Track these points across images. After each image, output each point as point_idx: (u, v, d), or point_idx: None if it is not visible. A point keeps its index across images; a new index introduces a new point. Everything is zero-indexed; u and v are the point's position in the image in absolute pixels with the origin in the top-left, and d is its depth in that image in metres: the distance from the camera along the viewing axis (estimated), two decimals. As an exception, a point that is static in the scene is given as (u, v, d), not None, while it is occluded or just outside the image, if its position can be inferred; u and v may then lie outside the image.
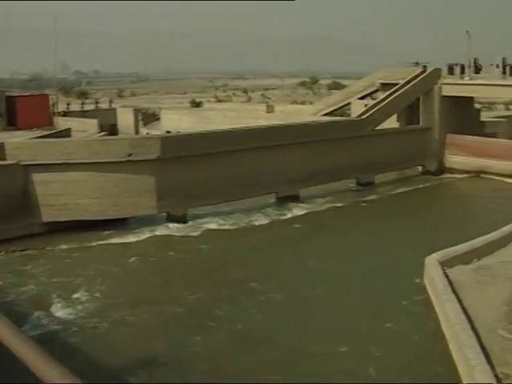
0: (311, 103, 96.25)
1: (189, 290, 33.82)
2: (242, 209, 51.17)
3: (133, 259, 39.57)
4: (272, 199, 54.43)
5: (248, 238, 44.76)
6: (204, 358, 25.96)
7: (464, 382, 21.70)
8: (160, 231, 45.90)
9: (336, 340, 27.22)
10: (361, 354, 25.76)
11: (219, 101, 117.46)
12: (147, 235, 44.88)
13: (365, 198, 57.42)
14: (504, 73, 69.23)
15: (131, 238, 44.08)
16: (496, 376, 20.71)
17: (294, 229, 47.31)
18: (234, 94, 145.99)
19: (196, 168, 48.80)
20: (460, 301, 27.68)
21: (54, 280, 35.61)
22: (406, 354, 25.73)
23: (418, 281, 32.93)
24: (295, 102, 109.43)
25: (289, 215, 50.79)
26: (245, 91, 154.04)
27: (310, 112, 79.22)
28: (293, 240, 44.66)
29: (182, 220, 47.99)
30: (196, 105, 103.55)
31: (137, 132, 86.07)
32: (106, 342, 27.69)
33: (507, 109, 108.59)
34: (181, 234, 45.52)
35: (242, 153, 51.33)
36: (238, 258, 40.28)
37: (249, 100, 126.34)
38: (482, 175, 68.18)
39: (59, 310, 31.03)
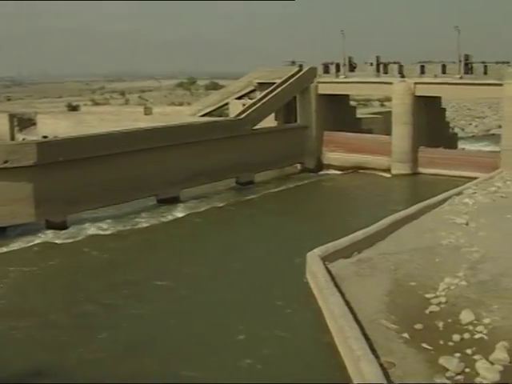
0: (189, 104, 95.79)
1: (71, 298, 32.99)
2: (124, 213, 50.36)
3: (11, 270, 38.19)
4: (153, 202, 53.84)
5: (129, 242, 44.05)
6: (90, 365, 25.35)
7: (350, 373, 22.03)
8: (39, 239, 44.52)
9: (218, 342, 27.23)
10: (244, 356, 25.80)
11: (96, 104, 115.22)
12: (26, 244, 43.42)
13: (245, 198, 57.64)
14: (378, 71, 71.03)
15: (9, 248, 42.66)
16: (381, 365, 21.12)
17: (176, 230, 46.90)
18: (111, 97, 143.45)
19: (75, 173, 47.62)
20: (342, 294, 28.10)
21: None
22: (293, 350, 25.82)
23: (300, 276, 33.21)
24: (173, 104, 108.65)
25: (170, 217, 50.35)
26: (122, 94, 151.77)
27: (189, 113, 78.97)
28: (174, 242, 44.24)
29: (62, 227, 46.75)
30: (73, 108, 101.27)
31: (12, 138, 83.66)
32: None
33: (382, 105, 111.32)
34: (61, 241, 44.36)
35: (122, 156, 50.50)
36: (119, 262, 39.49)
37: (126, 102, 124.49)
38: (360, 170, 69.85)
39: None
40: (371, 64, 71.62)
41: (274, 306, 30.56)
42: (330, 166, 71.90)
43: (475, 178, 56.16)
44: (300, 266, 33.58)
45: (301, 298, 31.05)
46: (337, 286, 29.16)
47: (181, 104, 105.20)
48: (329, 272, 31.08)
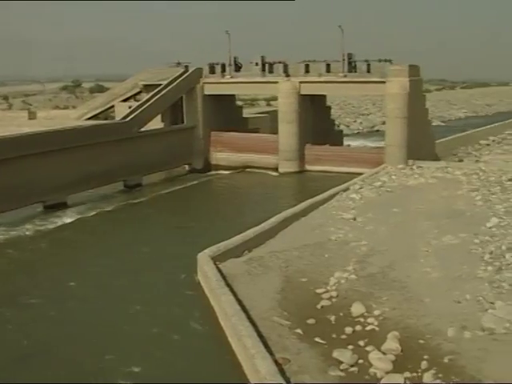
0: (74, 107, 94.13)
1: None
2: (7, 222, 48.59)
3: None
4: (40, 208, 52.40)
5: (12, 251, 42.39)
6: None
7: (246, 371, 21.97)
8: None
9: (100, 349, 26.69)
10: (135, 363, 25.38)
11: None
12: None
13: (134, 201, 56.85)
14: (263, 70, 71.50)
15: None
16: (276, 361, 21.15)
17: (64, 237, 45.68)
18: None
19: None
20: (234, 293, 28.05)
21: None
22: (186, 352, 25.52)
23: (192, 277, 33.05)
24: (58, 107, 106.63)
25: (58, 223, 48.89)
26: (5, 98, 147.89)
27: (74, 116, 77.34)
28: (62, 248, 43.18)
29: None
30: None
31: None
32: None
33: (268, 105, 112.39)
34: None
35: (5, 162, 48.63)
36: (3, 273, 38.20)
37: (10, 107, 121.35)
38: (248, 170, 70.32)
39: None
40: (256, 64, 72.06)
41: (165, 308, 30.17)
42: (218, 166, 72.12)
43: (361, 174, 57.43)
44: (191, 267, 33.35)
45: (193, 299, 30.84)
46: (228, 285, 29.08)
47: (66, 107, 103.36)
48: (220, 272, 30.99)
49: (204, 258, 32.52)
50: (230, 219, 49.42)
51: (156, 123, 68.91)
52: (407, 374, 20.46)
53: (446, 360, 21.23)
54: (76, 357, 25.60)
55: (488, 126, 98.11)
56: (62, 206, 53.04)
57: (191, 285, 32.38)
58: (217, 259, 32.66)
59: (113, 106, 77.61)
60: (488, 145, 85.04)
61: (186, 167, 71.88)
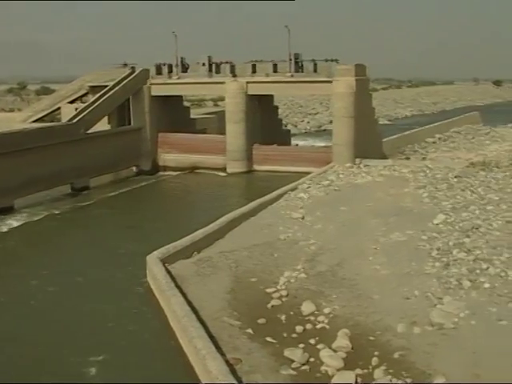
0: (20, 110, 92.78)
1: None
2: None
3: None
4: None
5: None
6: None
7: (197, 372, 21.83)
8: None
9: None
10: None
11: None
12: None
13: (81, 204, 56.11)
14: (210, 71, 71.39)
15: None
16: (227, 362, 21.07)
17: (11, 242, 44.97)
18: None
19: None
20: (184, 294, 27.89)
21: None
22: (139, 354, 25.34)
23: (141, 279, 32.76)
24: (3, 110, 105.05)
25: (4, 228, 48.15)
26: None
27: (20, 119, 76.28)
28: (10, 253, 42.50)
29: None
30: None
31: None
32: None
33: (216, 105, 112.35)
34: None
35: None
36: None
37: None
38: (196, 170, 70.13)
39: None
40: (203, 64, 71.89)
41: (114, 312, 29.83)
42: (166, 168, 71.81)
43: (309, 173, 57.62)
44: (141, 269, 33.06)
45: (142, 302, 30.55)
46: (178, 286, 28.89)
47: (11, 110, 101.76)
48: (169, 273, 30.80)
49: (153, 259, 32.27)
50: (179, 220, 49.30)
51: (103, 125, 68.34)
52: (358, 371, 20.59)
53: (396, 356, 21.42)
54: (36, 353, 25.57)
55: (434, 124, 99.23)
56: (9, 211, 52.12)
57: (141, 287, 32.12)
58: (166, 261, 32.44)
59: (59, 108, 76.69)
60: (434, 143, 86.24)
61: (134, 169, 71.37)
